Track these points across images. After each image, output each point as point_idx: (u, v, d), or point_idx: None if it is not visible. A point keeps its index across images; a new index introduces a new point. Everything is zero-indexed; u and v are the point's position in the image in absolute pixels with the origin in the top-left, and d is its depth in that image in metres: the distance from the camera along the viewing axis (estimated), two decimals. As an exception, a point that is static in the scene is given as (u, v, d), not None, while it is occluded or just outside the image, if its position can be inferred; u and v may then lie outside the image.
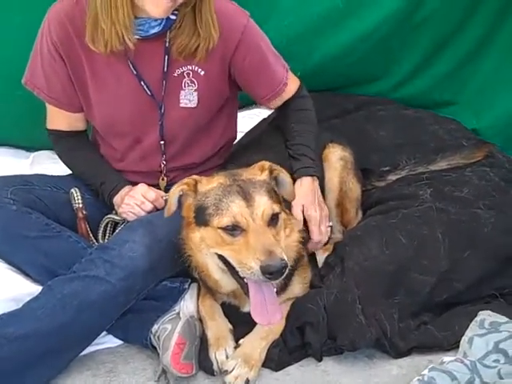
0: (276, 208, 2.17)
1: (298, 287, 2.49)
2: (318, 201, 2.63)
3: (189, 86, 2.54)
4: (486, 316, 2.33)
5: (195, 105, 2.57)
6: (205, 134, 2.68)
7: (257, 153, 2.63)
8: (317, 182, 2.64)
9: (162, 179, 2.71)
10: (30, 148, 3.37)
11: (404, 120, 3.49)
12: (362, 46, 3.41)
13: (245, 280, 2.14)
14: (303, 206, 2.57)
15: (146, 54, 2.49)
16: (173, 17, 2.40)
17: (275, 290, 2.21)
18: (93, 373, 2.30)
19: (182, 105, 2.57)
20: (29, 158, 3.37)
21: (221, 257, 2.18)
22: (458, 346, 2.27)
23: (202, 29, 2.40)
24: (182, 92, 2.55)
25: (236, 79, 2.61)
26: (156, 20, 2.39)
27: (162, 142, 2.63)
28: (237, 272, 2.13)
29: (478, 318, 2.33)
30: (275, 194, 2.25)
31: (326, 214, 2.66)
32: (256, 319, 2.17)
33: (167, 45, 2.47)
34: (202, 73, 2.53)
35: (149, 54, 2.50)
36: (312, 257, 2.70)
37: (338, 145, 2.87)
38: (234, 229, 2.11)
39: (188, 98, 2.56)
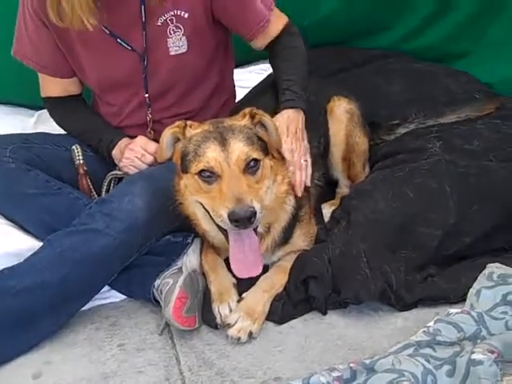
0: (254, 154, 2.10)
1: (300, 240, 2.44)
2: (298, 133, 2.48)
3: (175, 32, 2.48)
4: (495, 268, 2.29)
5: (185, 49, 2.52)
6: (201, 82, 2.62)
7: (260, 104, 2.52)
8: (298, 113, 2.49)
9: (149, 132, 2.67)
10: (35, 107, 3.35)
11: (415, 74, 3.43)
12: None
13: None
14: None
15: (121, 7, 2.44)
16: None
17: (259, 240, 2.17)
18: (96, 326, 2.32)
19: (172, 53, 2.52)
20: (33, 116, 3.36)
21: (202, 205, 2.15)
22: (464, 300, 2.23)
23: None
24: (169, 40, 2.50)
25: (219, 17, 2.53)
26: None
27: (147, 95, 2.59)
28: None
29: (486, 271, 2.29)
30: (259, 141, 2.17)
31: (306, 146, 2.50)
32: (234, 270, 2.15)
33: None
34: (186, 15, 2.47)
35: (124, 7, 2.44)
36: (318, 211, 2.65)
37: (343, 98, 2.79)
38: (209, 176, 2.08)
39: (177, 44, 2.50)
